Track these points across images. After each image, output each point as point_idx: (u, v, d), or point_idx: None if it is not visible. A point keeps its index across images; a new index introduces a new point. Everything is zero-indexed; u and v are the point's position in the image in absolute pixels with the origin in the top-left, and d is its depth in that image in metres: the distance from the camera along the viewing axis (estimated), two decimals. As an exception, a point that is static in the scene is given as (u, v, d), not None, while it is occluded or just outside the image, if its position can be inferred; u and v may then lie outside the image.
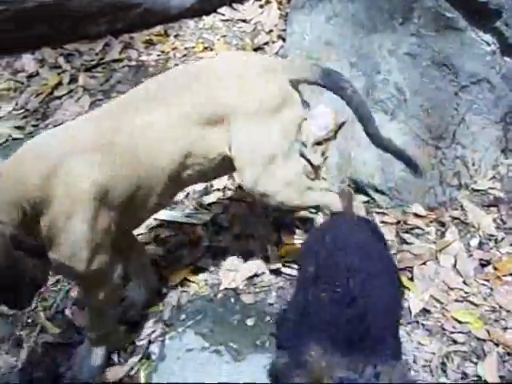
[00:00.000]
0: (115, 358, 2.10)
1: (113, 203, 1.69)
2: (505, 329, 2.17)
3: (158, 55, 3.30)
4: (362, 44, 2.90)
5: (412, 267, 2.37)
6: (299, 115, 2.00)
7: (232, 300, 2.24)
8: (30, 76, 3.25)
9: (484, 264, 2.39)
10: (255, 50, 3.33)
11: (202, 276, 2.30)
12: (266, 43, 3.36)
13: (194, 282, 2.29)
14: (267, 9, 3.55)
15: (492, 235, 2.50)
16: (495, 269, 2.37)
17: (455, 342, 2.14)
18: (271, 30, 3.42)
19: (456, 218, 2.59)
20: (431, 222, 2.58)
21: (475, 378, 2.02)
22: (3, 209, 1.51)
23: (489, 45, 2.73)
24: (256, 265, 2.32)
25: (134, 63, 3.26)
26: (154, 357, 2.09)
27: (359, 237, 1.74)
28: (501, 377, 2.02)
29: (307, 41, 3.19)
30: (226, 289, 2.27)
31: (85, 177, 1.62)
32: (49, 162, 1.60)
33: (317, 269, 1.60)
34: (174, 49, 3.35)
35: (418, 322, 2.19)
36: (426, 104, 2.69)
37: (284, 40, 3.35)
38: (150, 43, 3.40)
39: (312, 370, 1.24)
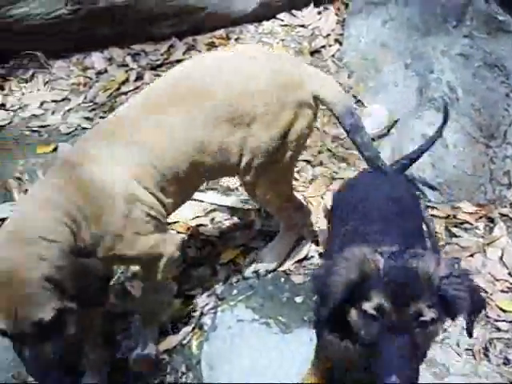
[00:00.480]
0: (169, 328, 2.22)
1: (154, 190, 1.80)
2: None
3: (219, 56, 3.47)
4: (417, 46, 3.00)
5: (459, 259, 2.41)
6: (303, 131, 1.98)
7: (282, 279, 2.34)
8: (99, 73, 3.47)
9: (531, 258, 2.40)
10: (312, 53, 3.46)
11: (253, 256, 2.41)
12: (323, 46, 3.48)
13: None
14: (325, 15, 3.68)
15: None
16: (543, 261, 2.38)
17: (499, 329, 2.18)
18: (328, 35, 3.55)
19: (505, 215, 2.62)
20: (480, 217, 2.62)
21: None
22: (56, 229, 1.59)
23: (543, 45, 2.78)
24: (306, 248, 2.41)
25: (197, 63, 3.44)
26: (205, 327, 2.20)
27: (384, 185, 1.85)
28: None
29: (363, 43, 3.30)
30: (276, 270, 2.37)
31: (124, 175, 1.74)
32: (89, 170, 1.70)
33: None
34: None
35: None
36: (478, 103, 2.75)
37: (341, 44, 3.47)
38: (212, 45, 3.58)
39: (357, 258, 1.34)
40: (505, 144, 2.77)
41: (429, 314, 1.26)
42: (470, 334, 1.39)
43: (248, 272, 2.32)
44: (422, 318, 1.26)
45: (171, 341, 2.19)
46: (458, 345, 2.12)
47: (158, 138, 1.80)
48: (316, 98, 1.96)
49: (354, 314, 1.34)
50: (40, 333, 1.48)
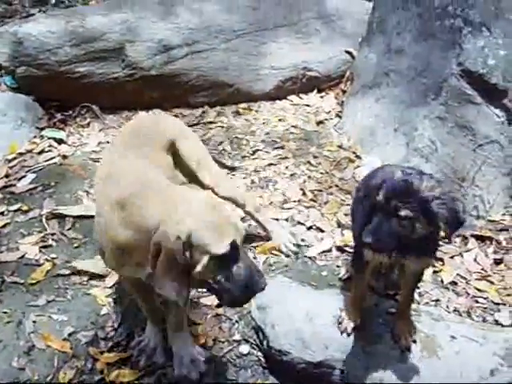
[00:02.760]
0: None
1: None
2: (515, 299, 2.87)
3: (244, 120, 4.34)
4: (403, 115, 3.89)
5: (443, 259, 3.11)
6: None
7: (309, 262, 2.99)
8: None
9: (498, 262, 3.13)
10: (318, 123, 4.33)
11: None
12: (326, 119, 4.37)
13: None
14: (326, 98, 4.62)
15: (504, 246, 3.26)
16: (506, 265, 3.11)
17: (477, 301, 2.84)
18: (329, 111, 4.45)
19: (476, 236, 3.35)
20: (457, 236, 3.35)
21: (494, 323, 2.69)
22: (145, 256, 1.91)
23: (499, 117, 3.69)
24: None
25: (225, 125, 4.27)
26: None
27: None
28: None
29: (359, 116, 4.20)
30: (304, 256, 3.02)
31: None
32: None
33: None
34: (255, 118, 4.38)
35: (448, 288, 2.90)
36: (452, 153, 3.59)
37: (340, 117, 4.36)
38: (237, 113, 4.45)
39: None
40: (473, 186, 3.57)
41: (404, 212, 1.93)
42: (450, 241, 2.08)
43: None
44: (399, 213, 1.94)
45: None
46: (447, 307, 2.77)
47: None
48: None
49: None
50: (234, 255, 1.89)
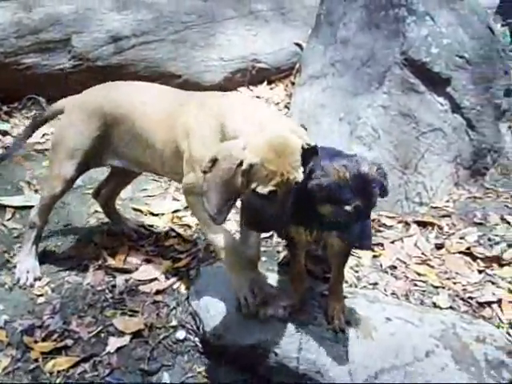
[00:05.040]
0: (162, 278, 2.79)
1: None
2: (454, 283, 2.90)
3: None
4: (348, 104, 3.91)
5: (383, 244, 3.14)
6: None
7: (249, 249, 2.97)
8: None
9: (439, 247, 3.16)
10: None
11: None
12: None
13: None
14: (276, 90, 4.64)
15: (446, 232, 3.30)
16: (447, 250, 3.14)
17: (416, 285, 2.87)
18: (278, 103, 4.47)
19: (418, 222, 3.39)
20: (399, 222, 3.38)
21: (431, 305, 2.72)
22: None
23: (442, 105, 3.75)
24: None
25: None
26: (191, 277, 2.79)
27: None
28: (450, 307, 2.72)
29: (306, 105, 4.21)
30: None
31: None
32: None
33: None
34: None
35: (387, 272, 2.92)
36: (395, 141, 3.63)
37: (289, 108, 4.38)
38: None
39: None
40: (416, 173, 3.62)
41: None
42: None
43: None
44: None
45: (163, 285, 2.74)
46: (385, 290, 2.78)
47: None
48: None
49: (330, 209, 2.01)
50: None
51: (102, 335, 2.52)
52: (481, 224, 3.37)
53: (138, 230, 3.04)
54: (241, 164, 1.91)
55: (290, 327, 2.38)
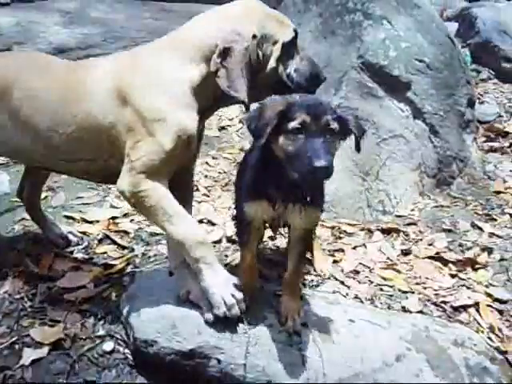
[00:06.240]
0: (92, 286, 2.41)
1: None
2: (424, 288, 2.59)
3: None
4: (306, 112, 3.68)
5: (344, 250, 2.82)
6: None
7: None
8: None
9: (406, 253, 2.87)
10: (220, 129, 4.07)
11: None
12: (229, 125, 4.12)
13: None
14: (232, 107, 4.37)
15: (413, 238, 3.01)
16: (415, 256, 2.84)
17: (382, 289, 2.54)
18: (232, 118, 4.21)
19: (382, 229, 3.09)
20: (361, 229, 3.08)
21: (400, 309, 2.39)
22: None
23: (402, 111, 3.54)
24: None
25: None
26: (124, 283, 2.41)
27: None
28: (420, 311, 2.40)
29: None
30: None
31: None
32: None
33: None
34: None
35: (348, 276, 2.60)
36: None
37: (243, 123, 4.11)
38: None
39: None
40: (378, 180, 3.36)
41: (334, 124, 1.70)
42: (359, 149, 1.82)
43: None
44: (330, 126, 1.70)
45: (90, 292, 2.36)
46: (347, 294, 2.45)
47: None
48: None
49: (281, 139, 1.73)
50: None
51: (17, 346, 2.12)
52: (450, 231, 3.10)
53: (66, 237, 2.66)
54: (254, 36, 1.87)
55: (236, 329, 2.01)
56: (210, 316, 1.98)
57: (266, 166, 1.87)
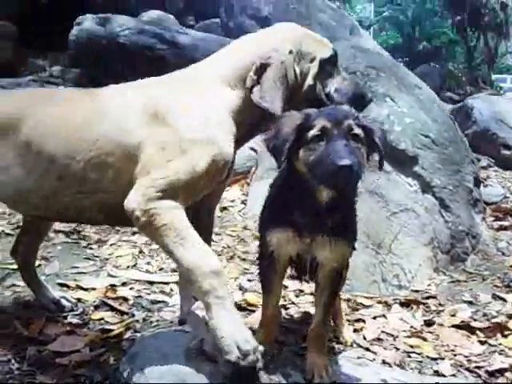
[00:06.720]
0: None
1: None
2: (454, 355, 2.35)
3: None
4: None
5: (364, 320, 2.59)
6: None
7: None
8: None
9: (429, 323, 2.64)
10: (222, 209, 3.95)
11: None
12: (231, 206, 4.00)
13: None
14: (231, 190, 4.29)
15: (434, 310, 2.80)
16: (439, 325, 2.62)
17: (409, 356, 2.30)
18: (234, 200, 4.10)
19: (400, 302, 2.88)
20: (378, 302, 2.87)
21: (432, 374, 2.15)
22: None
23: (410, 185, 3.46)
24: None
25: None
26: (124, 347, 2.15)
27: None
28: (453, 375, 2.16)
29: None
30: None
31: None
32: None
33: None
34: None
35: (372, 344, 2.35)
36: (364, 219, 3.22)
37: (246, 204, 4.01)
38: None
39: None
40: (391, 254, 3.19)
41: (357, 129, 1.57)
42: (381, 166, 1.67)
43: None
44: (354, 131, 1.57)
45: (86, 356, 2.09)
46: (374, 359, 2.20)
47: None
48: None
49: (301, 152, 1.61)
50: None
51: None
52: (471, 303, 2.90)
53: (59, 301, 2.42)
54: (291, 52, 1.85)
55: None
56: (227, 369, 1.72)
57: (291, 191, 1.73)
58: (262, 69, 1.80)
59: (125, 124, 1.81)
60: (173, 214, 1.70)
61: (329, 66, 1.93)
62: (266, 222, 1.84)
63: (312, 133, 1.60)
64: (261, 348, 1.73)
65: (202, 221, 1.98)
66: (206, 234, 1.98)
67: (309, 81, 1.89)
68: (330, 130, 1.58)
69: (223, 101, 1.81)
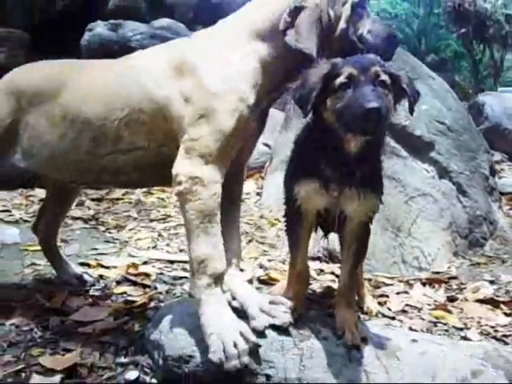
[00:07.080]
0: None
1: None
2: (480, 325, 2.32)
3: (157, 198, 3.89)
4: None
5: (387, 295, 2.57)
6: None
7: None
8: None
9: (452, 299, 2.62)
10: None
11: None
12: (247, 198, 4.00)
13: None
14: (246, 184, 4.27)
15: (456, 288, 2.78)
16: (463, 300, 2.60)
17: (436, 325, 2.28)
18: (249, 193, 4.10)
19: (422, 281, 2.86)
20: (399, 281, 2.85)
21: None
22: None
23: (427, 171, 3.45)
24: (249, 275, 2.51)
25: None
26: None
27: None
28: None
29: (279, 188, 3.84)
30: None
31: None
32: None
33: None
34: (168, 197, 3.94)
35: (397, 315, 2.33)
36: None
37: (261, 196, 4.00)
38: (149, 193, 4.01)
39: None
40: (410, 237, 3.17)
41: (384, 76, 1.57)
42: (412, 112, 1.67)
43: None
44: (381, 78, 1.57)
45: (110, 325, 2.08)
46: (401, 327, 2.17)
47: None
48: None
49: (329, 101, 1.60)
50: None
51: (23, 374, 1.79)
52: (492, 282, 2.87)
53: (81, 276, 2.41)
54: None
55: (287, 341, 1.73)
56: (259, 324, 1.71)
57: (318, 143, 1.72)
58: (296, 11, 1.78)
59: (154, 79, 1.82)
60: (212, 190, 1.69)
61: (359, 9, 1.90)
62: (293, 175, 1.83)
63: (339, 80, 1.60)
64: (290, 304, 1.73)
65: (230, 194, 1.95)
66: (237, 192, 1.99)
67: (342, 24, 1.85)
68: (357, 76, 1.58)
69: (252, 52, 1.80)
